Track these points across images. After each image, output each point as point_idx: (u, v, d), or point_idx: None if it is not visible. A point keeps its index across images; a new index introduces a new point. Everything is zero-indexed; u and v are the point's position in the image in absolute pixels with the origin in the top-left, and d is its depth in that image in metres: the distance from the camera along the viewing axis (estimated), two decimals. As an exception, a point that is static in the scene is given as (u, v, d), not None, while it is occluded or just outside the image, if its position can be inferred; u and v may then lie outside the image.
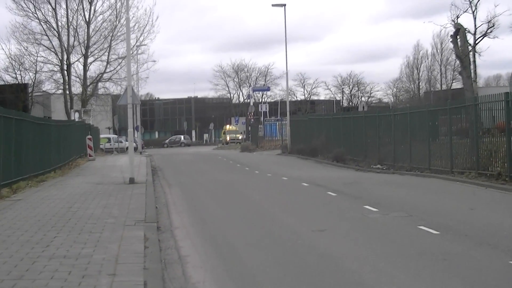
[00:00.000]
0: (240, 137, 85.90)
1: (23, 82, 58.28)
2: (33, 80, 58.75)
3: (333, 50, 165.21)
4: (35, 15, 55.84)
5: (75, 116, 52.39)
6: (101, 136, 64.09)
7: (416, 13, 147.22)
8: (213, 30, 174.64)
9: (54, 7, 56.04)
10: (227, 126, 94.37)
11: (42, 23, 56.08)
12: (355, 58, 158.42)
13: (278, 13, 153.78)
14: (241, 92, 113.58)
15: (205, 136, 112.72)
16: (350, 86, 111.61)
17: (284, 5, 51.08)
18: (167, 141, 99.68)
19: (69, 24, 56.79)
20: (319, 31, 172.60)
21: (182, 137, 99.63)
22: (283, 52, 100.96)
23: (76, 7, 57.16)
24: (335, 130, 40.33)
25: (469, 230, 12.62)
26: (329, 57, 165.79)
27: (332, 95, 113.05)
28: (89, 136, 44.20)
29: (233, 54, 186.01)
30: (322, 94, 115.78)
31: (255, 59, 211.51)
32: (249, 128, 72.94)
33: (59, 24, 56.47)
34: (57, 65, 57.22)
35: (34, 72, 58.21)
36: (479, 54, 39.60)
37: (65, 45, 56.64)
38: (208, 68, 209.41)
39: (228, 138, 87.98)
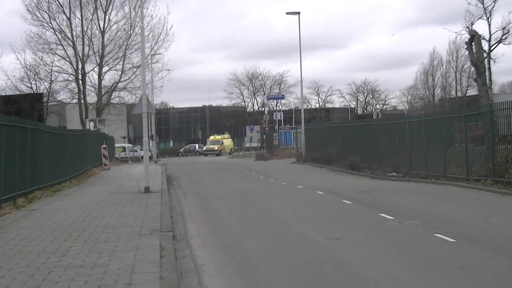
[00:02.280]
0: (216, 148, 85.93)
1: (39, 92, 58.61)
2: (48, 90, 58.98)
3: (356, 57, 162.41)
4: (50, 25, 56.33)
5: (90, 126, 52.57)
6: (116, 145, 64.34)
7: (443, 20, 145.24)
8: (239, 38, 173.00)
9: (68, 16, 56.55)
10: (215, 136, 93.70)
11: (57, 32, 56.56)
12: (377, 66, 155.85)
13: (304, 21, 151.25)
14: (255, 101, 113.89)
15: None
16: (365, 94, 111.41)
17: (299, 13, 51.15)
18: (182, 150, 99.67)
19: (84, 33, 57.22)
20: (344, 38, 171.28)
21: (197, 145, 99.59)
22: (303, 60, 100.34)
23: (91, 17, 57.66)
24: (349, 138, 40.24)
25: (485, 238, 12.54)
26: (352, 64, 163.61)
27: (346, 103, 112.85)
28: (104, 146, 44.34)
29: (256, 62, 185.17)
30: (337, 102, 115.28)
31: (278, 67, 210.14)
32: (264, 137, 72.92)
33: (74, 33, 56.98)
34: (72, 74, 57.59)
35: (49, 81, 58.52)
36: (494, 61, 39.33)
37: (80, 55, 57.01)
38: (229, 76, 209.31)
39: (204, 148, 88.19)
